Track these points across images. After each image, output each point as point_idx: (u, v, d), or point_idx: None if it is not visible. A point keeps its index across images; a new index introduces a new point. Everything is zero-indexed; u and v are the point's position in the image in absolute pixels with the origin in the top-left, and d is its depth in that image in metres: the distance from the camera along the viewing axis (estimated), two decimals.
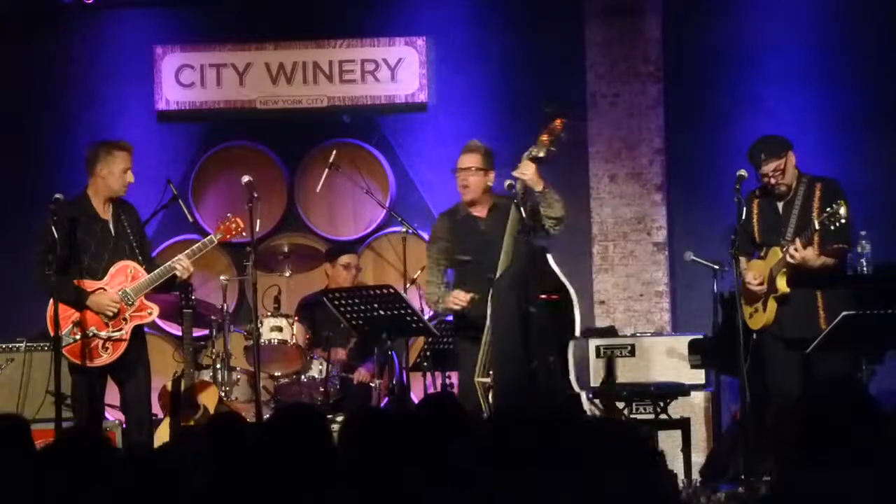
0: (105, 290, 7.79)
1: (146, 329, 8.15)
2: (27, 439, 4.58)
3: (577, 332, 7.50)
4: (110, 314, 7.75)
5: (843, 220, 7.26)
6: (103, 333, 7.78)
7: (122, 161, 7.85)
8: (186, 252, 7.98)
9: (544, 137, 7.57)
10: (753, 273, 7.54)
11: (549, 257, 7.53)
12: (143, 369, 7.95)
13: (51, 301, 7.72)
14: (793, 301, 7.51)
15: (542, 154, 7.54)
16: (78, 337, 7.72)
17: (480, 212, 7.78)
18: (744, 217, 7.59)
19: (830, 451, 3.48)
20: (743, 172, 7.55)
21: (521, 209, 7.39)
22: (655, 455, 3.60)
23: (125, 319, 7.81)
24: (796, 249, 7.36)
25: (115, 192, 7.89)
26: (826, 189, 7.53)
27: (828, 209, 7.32)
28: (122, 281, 7.84)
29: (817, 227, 7.34)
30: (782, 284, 7.50)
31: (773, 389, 7.46)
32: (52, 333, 7.69)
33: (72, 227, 7.69)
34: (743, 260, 7.72)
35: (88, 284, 7.77)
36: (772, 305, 7.51)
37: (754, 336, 7.61)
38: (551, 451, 3.97)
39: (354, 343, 9.24)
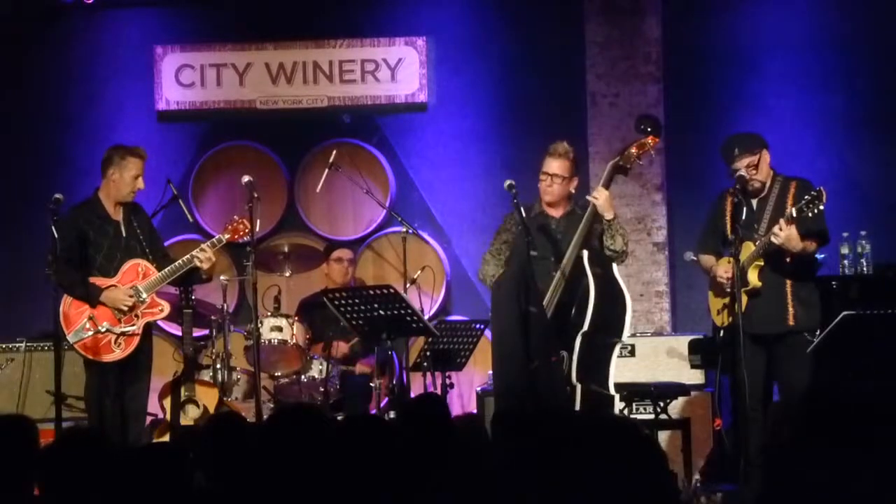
0: (117, 286, 7.92)
1: None
2: (34, 440, 4.58)
3: (625, 336, 7.62)
4: (125, 309, 7.91)
5: (820, 207, 7.24)
6: (116, 329, 7.90)
7: (133, 168, 8.01)
8: (206, 244, 8.07)
9: (633, 150, 7.57)
10: (724, 267, 7.52)
11: (615, 266, 7.61)
12: (147, 366, 8.10)
13: (64, 298, 7.90)
14: (762, 296, 7.51)
15: (627, 165, 7.58)
16: (92, 332, 7.85)
17: (555, 212, 7.77)
18: (717, 214, 7.61)
19: (827, 451, 3.47)
20: (743, 172, 7.54)
21: (521, 209, 7.40)
22: (660, 455, 3.58)
23: (137, 316, 7.97)
24: (780, 228, 7.34)
25: (123, 197, 8.05)
26: (800, 187, 7.52)
27: (806, 196, 7.31)
28: (133, 278, 8.01)
29: (794, 213, 7.31)
30: (753, 278, 7.49)
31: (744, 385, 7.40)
32: (65, 331, 7.86)
33: (83, 228, 7.90)
34: (712, 257, 7.72)
35: (101, 282, 7.93)
36: (742, 299, 7.48)
37: (721, 333, 7.59)
38: (555, 452, 3.97)
39: (358, 350, 9.26)
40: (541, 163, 7.81)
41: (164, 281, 8.01)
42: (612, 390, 7.48)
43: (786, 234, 7.36)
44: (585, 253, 7.46)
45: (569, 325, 7.42)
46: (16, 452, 4.44)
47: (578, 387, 7.37)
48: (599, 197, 7.53)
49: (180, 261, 8.02)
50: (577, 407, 7.27)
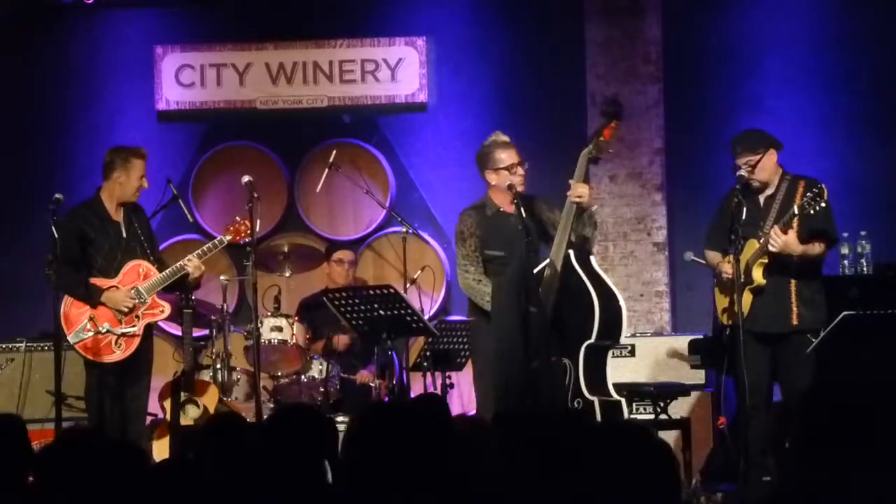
0: (118, 287, 7.92)
1: None
2: (23, 439, 4.57)
3: (622, 339, 7.56)
4: (125, 310, 7.93)
5: (823, 204, 7.25)
6: (117, 330, 7.91)
7: (139, 168, 8.06)
8: (196, 252, 8.10)
9: (602, 138, 7.52)
10: (730, 265, 7.51)
11: (593, 258, 7.55)
12: (147, 367, 8.12)
13: (65, 299, 7.92)
14: (766, 295, 7.50)
15: (600, 155, 7.52)
16: (93, 332, 7.86)
17: (509, 207, 7.61)
18: (725, 211, 7.60)
19: (831, 452, 3.47)
20: (743, 172, 7.55)
21: (522, 209, 7.38)
22: (672, 462, 3.57)
23: (138, 317, 7.99)
24: (777, 235, 7.34)
25: (128, 198, 8.09)
26: (808, 187, 7.51)
27: (808, 194, 7.32)
28: (134, 279, 8.03)
29: (797, 211, 7.32)
30: (758, 276, 7.49)
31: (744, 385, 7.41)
32: (66, 332, 7.87)
33: (84, 229, 7.93)
34: (718, 254, 7.71)
35: (102, 283, 7.95)
36: (747, 298, 7.47)
37: (727, 332, 7.58)
38: (553, 455, 3.97)
39: (358, 344, 9.25)
40: (495, 159, 7.63)
41: (163, 283, 8.03)
42: (614, 395, 7.44)
43: (783, 241, 7.37)
44: (572, 252, 7.40)
45: (569, 331, 7.36)
46: (6, 452, 4.43)
47: (595, 400, 7.29)
48: (585, 193, 7.41)
49: (174, 266, 8.05)
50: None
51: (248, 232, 8.28)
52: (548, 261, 7.38)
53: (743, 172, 7.53)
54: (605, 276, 7.52)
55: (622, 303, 7.48)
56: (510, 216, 7.58)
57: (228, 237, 8.27)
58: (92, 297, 7.90)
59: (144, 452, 4.49)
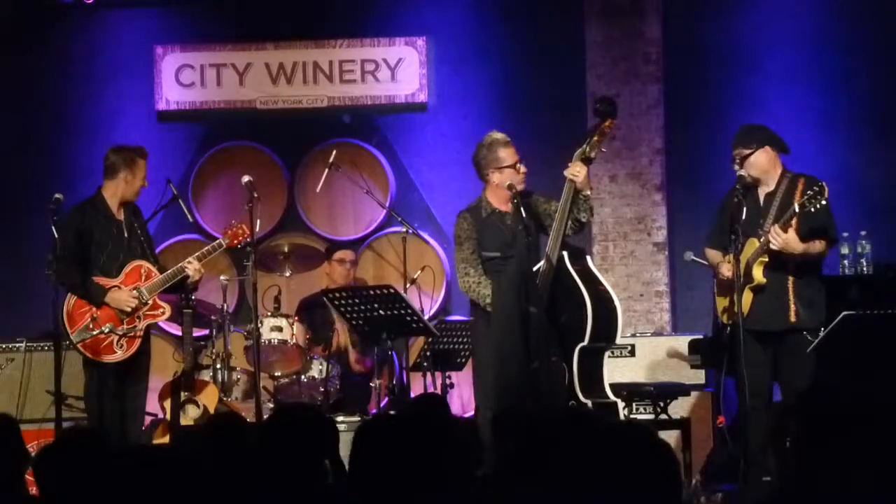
0: (120, 287, 7.93)
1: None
2: (17, 438, 4.57)
3: (618, 339, 7.53)
4: (129, 310, 7.94)
5: (823, 202, 7.25)
6: (119, 330, 7.92)
7: (144, 168, 8.09)
8: (196, 255, 8.10)
9: (596, 137, 7.50)
10: (729, 265, 7.51)
11: (588, 259, 7.54)
12: (146, 367, 8.13)
13: (68, 297, 7.93)
14: (765, 293, 7.50)
15: (593, 154, 7.48)
16: (95, 332, 7.86)
17: (505, 206, 7.62)
18: (724, 210, 7.60)
19: (831, 452, 3.47)
20: (743, 172, 7.55)
21: (522, 209, 7.37)
22: (672, 462, 3.57)
23: (139, 318, 7.99)
24: (777, 234, 7.34)
25: (130, 197, 8.11)
26: (808, 184, 7.50)
27: (808, 192, 7.32)
28: (136, 280, 8.03)
29: (797, 209, 7.32)
30: (759, 274, 7.48)
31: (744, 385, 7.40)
32: (69, 330, 7.89)
33: (88, 226, 7.94)
34: (719, 252, 7.71)
35: (104, 282, 7.96)
36: (747, 296, 7.47)
37: (727, 331, 7.57)
38: (552, 454, 3.97)
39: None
40: (495, 158, 7.66)
41: (164, 284, 8.04)
42: (610, 396, 7.44)
43: (783, 239, 7.36)
44: (566, 253, 7.38)
45: (563, 332, 7.34)
46: (1, 452, 4.43)
47: (589, 403, 7.28)
48: (581, 173, 7.37)
49: (175, 268, 8.06)
50: None
51: (246, 235, 8.29)
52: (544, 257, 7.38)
53: (742, 172, 7.53)
54: (599, 276, 7.51)
55: (617, 303, 7.47)
56: (506, 215, 7.58)
57: (226, 241, 8.27)
58: (95, 297, 7.91)
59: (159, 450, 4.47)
